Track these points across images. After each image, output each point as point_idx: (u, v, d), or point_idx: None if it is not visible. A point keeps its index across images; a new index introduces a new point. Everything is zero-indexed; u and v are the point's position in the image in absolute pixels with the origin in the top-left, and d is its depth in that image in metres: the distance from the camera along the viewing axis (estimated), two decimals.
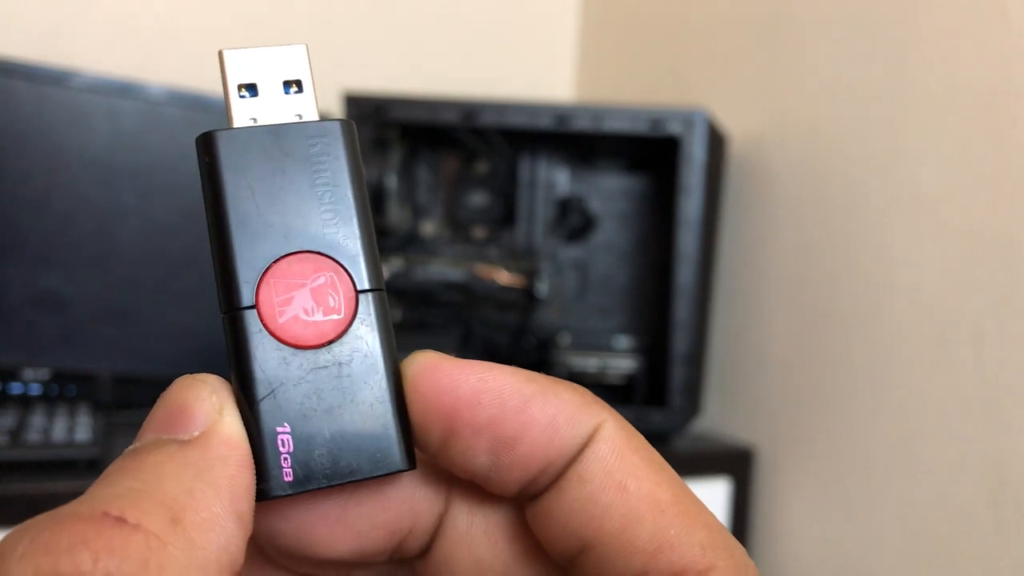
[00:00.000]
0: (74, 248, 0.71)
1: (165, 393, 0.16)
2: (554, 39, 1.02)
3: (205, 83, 0.77)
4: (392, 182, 0.73)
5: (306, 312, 0.17)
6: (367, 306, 0.17)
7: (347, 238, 0.17)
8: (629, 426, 0.17)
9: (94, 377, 0.70)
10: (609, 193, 0.78)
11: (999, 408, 0.54)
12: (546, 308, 0.77)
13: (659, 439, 0.71)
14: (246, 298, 0.17)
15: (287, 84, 0.18)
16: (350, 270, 0.17)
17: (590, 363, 0.72)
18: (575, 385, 0.17)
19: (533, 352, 0.75)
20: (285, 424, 0.16)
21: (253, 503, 0.16)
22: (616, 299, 0.78)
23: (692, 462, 0.70)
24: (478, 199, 0.77)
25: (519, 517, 0.18)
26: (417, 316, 0.74)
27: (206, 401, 0.16)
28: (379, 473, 0.17)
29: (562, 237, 0.78)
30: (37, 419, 0.60)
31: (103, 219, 0.71)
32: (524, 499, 0.18)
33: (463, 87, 0.93)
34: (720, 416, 0.78)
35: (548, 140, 0.76)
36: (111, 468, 0.15)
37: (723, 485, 0.71)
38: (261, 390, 0.17)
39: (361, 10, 0.93)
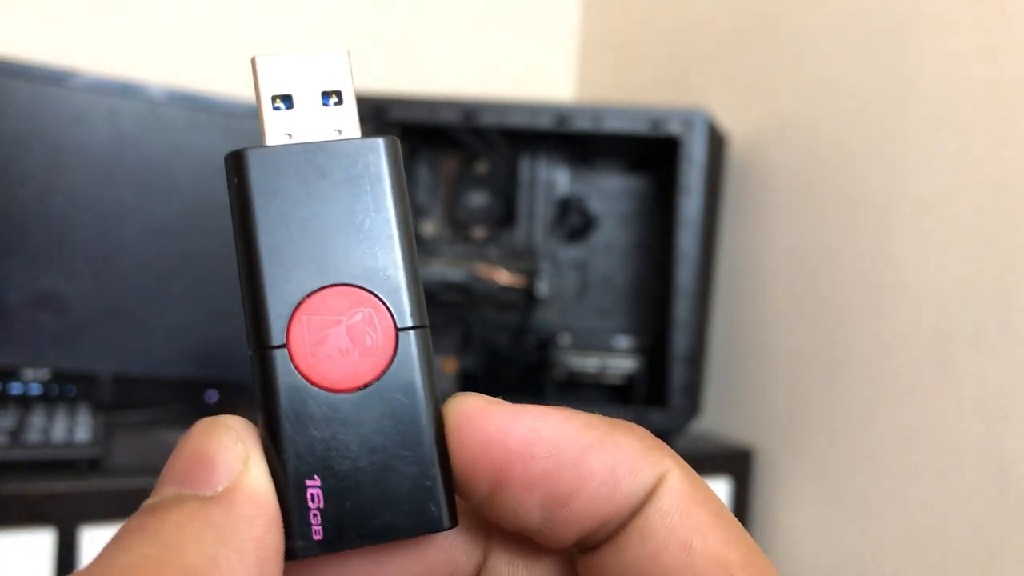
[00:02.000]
0: (74, 248, 0.71)
1: (185, 438, 0.15)
2: (554, 39, 1.02)
3: (205, 83, 0.77)
4: None
5: (341, 352, 0.15)
6: (408, 345, 0.16)
7: (388, 270, 0.16)
8: (694, 474, 0.16)
9: (94, 377, 0.70)
10: (609, 193, 0.78)
11: (999, 408, 0.54)
12: (546, 308, 0.77)
13: (659, 439, 0.71)
14: (276, 336, 0.15)
15: (326, 95, 0.16)
16: (390, 305, 0.16)
17: (590, 363, 0.72)
18: (634, 427, 0.16)
19: (533, 352, 0.75)
20: (315, 476, 0.15)
21: (281, 565, 0.14)
22: (616, 299, 0.78)
23: (692, 462, 0.70)
24: (478, 199, 0.77)
25: (567, 569, 0.17)
26: None
27: (230, 450, 0.14)
28: (418, 533, 0.15)
29: (562, 237, 0.78)
30: (37, 419, 0.60)
31: (103, 219, 0.71)
32: (575, 552, 0.16)
33: (463, 87, 0.93)
34: (720, 416, 0.78)
35: (548, 140, 0.76)
36: (127, 526, 0.14)
37: (723, 485, 0.71)
38: (289, 438, 0.15)
39: (361, 10, 0.93)
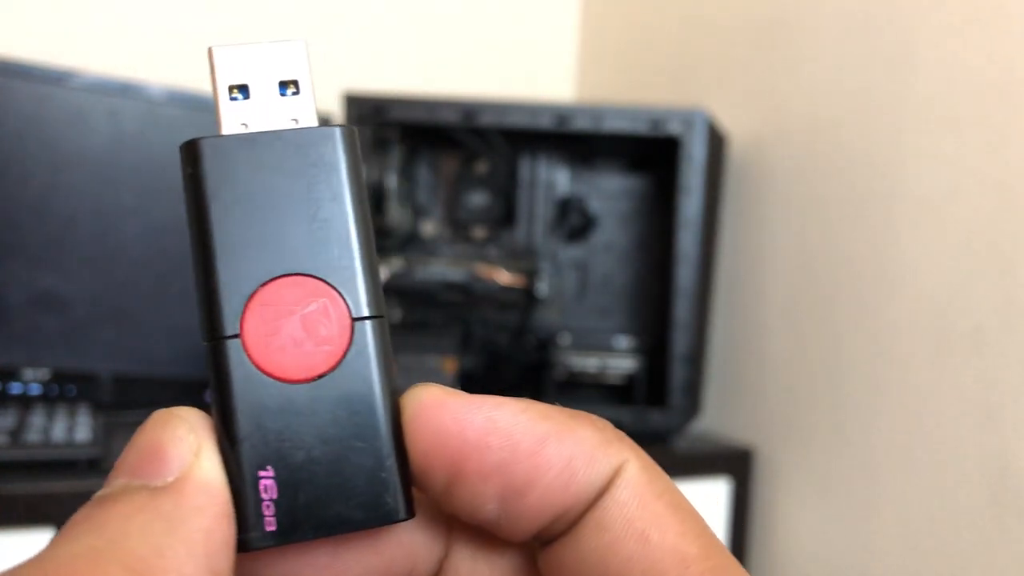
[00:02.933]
0: (74, 248, 0.71)
1: (140, 429, 0.15)
2: (554, 39, 1.02)
3: (205, 83, 0.77)
4: (392, 182, 0.73)
5: (296, 342, 0.15)
6: (364, 335, 0.16)
7: (343, 259, 0.16)
8: (654, 466, 0.16)
9: (94, 377, 0.70)
10: (609, 193, 0.78)
11: (999, 408, 0.54)
12: (546, 308, 0.77)
13: (659, 439, 0.71)
14: (229, 326, 0.15)
15: (283, 85, 0.16)
16: (346, 295, 0.16)
17: (590, 363, 0.72)
18: (594, 418, 0.16)
19: (533, 352, 0.75)
20: (269, 467, 0.15)
21: (232, 557, 0.14)
22: (616, 299, 0.78)
23: (692, 462, 0.70)
24: (478, 199, 0.77)
25: (528, 563, 0.17)
26: (417, 316, 0.74)
27: (182, 441, 0.14)
28: (373, 524, 0.15)
29: (562, 237, 0.78)
30: (37, 419, 0.60)
31: (103, 219, 0.71)
32: (535, 545, 0.16)
33: (463, 87, 0.93)
34: (720, 416, 0.78)
35: (548, 140, 0.76)
36: (76, 517, 0.14)
37: (723, 485, 0.71)
38: (243, 428, 0.15)
39: (361, 10, 0.93)
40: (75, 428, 0.58)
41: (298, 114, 0.16)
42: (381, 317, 0.16)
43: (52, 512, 0.51)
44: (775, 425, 0.72)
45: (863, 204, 0.64)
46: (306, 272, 0.15)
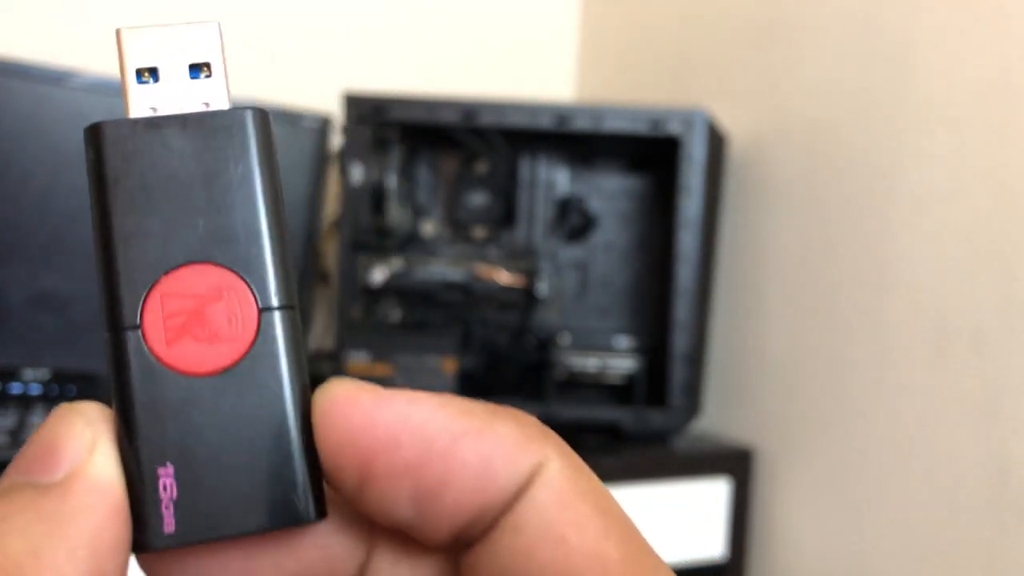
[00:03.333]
0: (74, 248, 0.71)
1: (41, 425, 0.14)
2: (554, 39, 1.02)
3: None
4: (392, 182, 0.73)
5: (199, 334, 0.15)
6: (272, 327, 0.15)
7: (251, 248, 0.15)
8: (579, 464, 0.15)
9: (94, 377, 0.70)
10: (609, 193, 0.78)
11: (999, 408, 0.54)
12: (546, 308, 0.77)
13: (659, 439, 0.71)
14: (128, 317, 0.14)
15: (194, 68, 0.16)
16: (252, 285, 0.15)
17: (590, 363, 0.72)
18: (518, 414, 0.15)
19: (533, 352, 0.75)
20: (168, 464, 0.14)
21: (125, 558, 0.13)
22: (616, 299, 0.78)
23: (692, 462, 0.70)
24: (478, 199, 0.77)
25: (451, 567, 0.16)
26: (417, 316, 0.74)
27: (77, 437, 0.14)
28: (281, 526, 0.14)
29: (562, 237, 0.78)
30: (37, 419, 0.60)
31: None
32: (456, 548, 0.15)
33: (463, 87, 0.93)
34: (720, 416, 0.78)
35: (548, 140, 0.76)
36: None
37: (723, 485, 0.71)
38: (142, 423, 0.14)
39: (361, 10, 0.93)
40: None
41: (210, 98, 0.16)
42: (291, 307, 0.15)
43: None
44: (775, 425, 0.72)
45: (863, 204, 0.64)
46: (211, 260, 0.15)
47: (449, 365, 0.70)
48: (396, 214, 0.74)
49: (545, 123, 0.69)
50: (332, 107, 0.76)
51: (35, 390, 0.69)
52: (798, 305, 0.70)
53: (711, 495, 0.70)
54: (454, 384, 0.70)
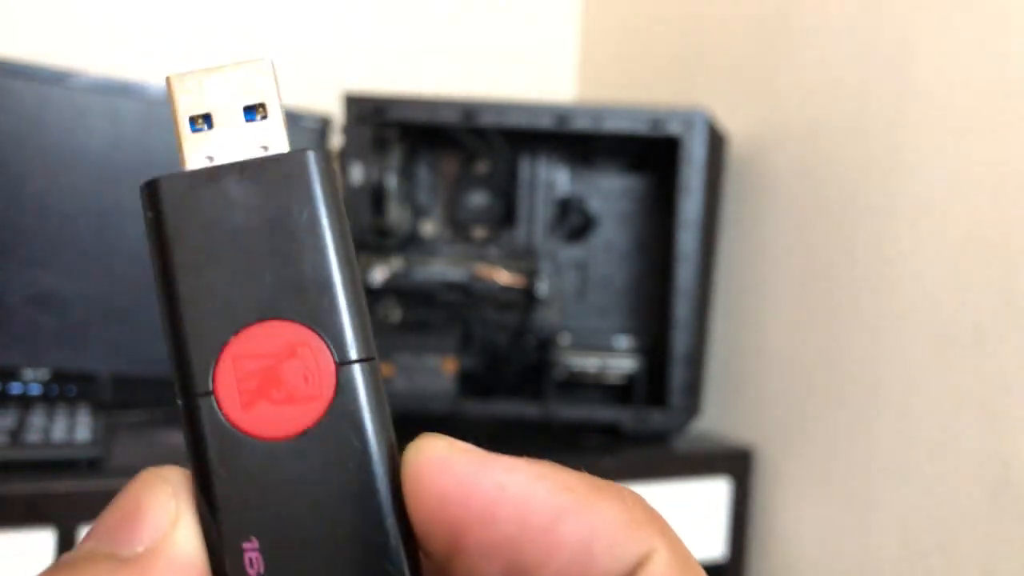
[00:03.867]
0: (74, 248, 0.71)
1: (123, 489, 0.13)
2: (554, 39, 1.02)
3: None
4: (392, 182, 0.73)
5: (274, 396, 0.14)
6: (351, 382, 0.14)
7: (324, 299, 0.14)
8: (686, 554, 0.14)
9: (94, 377, 0.70)
10: (609, 193, 0.78)
11: (999, 408, 0.54)
12: (546, 308, 0.77)
13: (659, 439, 0.71)
14: (200, 383, 0.14)
15: (249, 110, 0.15)
16: (328, 339, 0.14)
17: (590, 363, 0.72)
18: (625, 493, 0.14)
19: (533, 352, 0.75)
20: (253, 538, 0.13)
21: None
22: (616, 299, 0.78)
23: (692, 462, 0.70)
24: (478, 199, 0.77)
25: None
26: (417, 316, 0.74)
27: (161, 507, 0.13)
28: None
29: (562, 237, 0.78)
30: (37, 419, 0.60)
31: (103, 219, 0.71)
32: None
33: (463, 87, 0.93)
34: (720, 416, 0.77)
35: (548, 140, 0.76)
36: None
37: (723, 485, 0.71)
38: (221, 496, 0.13)
39: (361, 10, 0.93)
40: (75, 428, 0.58)
41: (267, 140, 0.15)
42: (371, 359, 0.14)
43: (52, 512, 0.51)
44: (775, 425, 0.72)
45: (863, 204, 0.64)
46: (283, 316, 0.14)
47: (449, 365, 0.70)
48: (396, 214, 0.74)
49: (545, 123, 0.69)
50: (332, 107, 0.76)
51: (35, 390, 0.69)
52: (798, 305, 0.70)
53: (711, 495, 0.70)
54: (454, 384, 0.70)
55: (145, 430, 0.68)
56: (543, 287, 0.75)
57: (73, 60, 0.75)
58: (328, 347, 0.14)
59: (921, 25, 0.60)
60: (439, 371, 0.69)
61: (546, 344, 0.74)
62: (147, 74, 0.76)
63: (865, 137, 0.64)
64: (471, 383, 0.72)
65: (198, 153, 0.15)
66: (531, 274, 0.75)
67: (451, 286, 0.74)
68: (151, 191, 0.14)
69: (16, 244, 0.69)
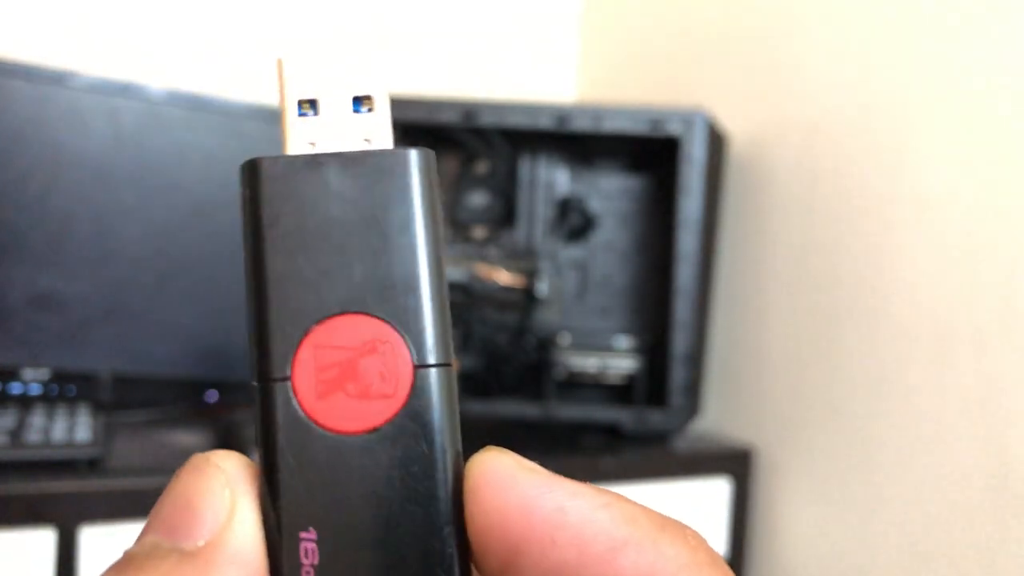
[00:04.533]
0: (74, 248, 0.71)
1: (175, 478, 0.14)
2: (554, 39, 1.02)
3: (205, 83, 0.77)
4: None
5: (351, 389, 0.14)
6: (427, 386, 0.14)
7: (409, 300, 0.14)
8: None
9: (94, 377, 0.70)
10: (609, 193, 0.78)
11: (999, 408, 0.54)
12: (546, 308, 0.77)
13: (659, 439, 0.71)
14: (279, 368, 0.14)
15: (357, 101, 0.15)
16: (410, 339, 0.14)
17: (590, 363, 0.72)
18: (688, 532, 0.14)
19: (533, 352, 0.75)
20: (311, 529, 0.13)
21: None
22: (616, 299, 0.78)
23: (692, 462, 0.70)
24: (478, 199, 0.77)
25: None
26: None
27: (217, 498, 0.13)
28: None
29: (562, 237, 0.78)
30: (37, 419, 0.60)
31: (103, 219, 0.71)
32: None
33: (463, 87, 0.93)
34: (720, 416, 0.78)
35: (548, 140, 0.76)
36: None
37: (723, 485, 0.71)
38: (286, 483, 0.14)
39: (361, 11, 0.93)
40: (75, 428, 0.58)
41: (371, 134, 0.15)
42: (449, 366, 0.14)
43: (52, 512, 0.51)
44: (775, 425, 0.72)
45: (863, 204, 0.64)
46: (367, 311, 0.14)
47: None
48: None
49: (545, 123, 0.69)
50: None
51: (35, 390, 0.69)
52: (798, 305, 0.70)
53: (711, 495, 0.70)
54: (452, 384, 0.70)
55: (145, 430, 0.68)
56: (543, 287, 0.75)
57: (73, 60, 0.75)
58: (408, 348, 0.14)
59: (921, 25, 0.60)
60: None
61: (546, 344, 0.74)
62: (147, 74, 0.76)
63: (865, 137, 0.64)
64: (471, 383, 0.72)
65: (301, 138, 0.15)
66: (531, 274, 0.75)
67: (451, 286, 0.74)
68: (251, 171, 0.14)
69: (16, 244, 0.69)
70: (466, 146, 0.75)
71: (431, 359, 0.14)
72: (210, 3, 0.86)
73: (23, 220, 0.69)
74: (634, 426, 0.70)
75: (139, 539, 0.13)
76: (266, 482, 0.14)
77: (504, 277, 0.74)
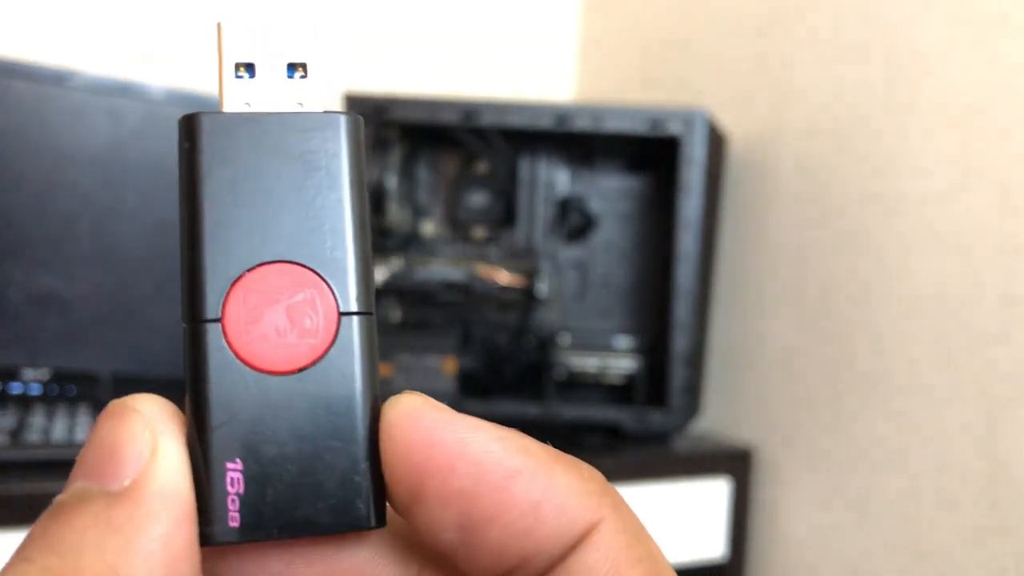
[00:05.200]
0: (74, 248, 0.71)
1: (96, 423, 0.14)
2: (554, 39, 1.02)
3: (205, 84, 0.77)
4: (392, 182, 0.73)
5: (278, 332, 0.15)
6: (350, 331, 0.15)
7: (336, 250, 0.15)
8: (635, 526, 0.14)
9: (94, 377, 0.70)
10: (609, 193, 0.78)
11: (999, 408, 0.54)
12: (546, 308, 0.77)
13: (659, 439, 0.71)
14: (211, 309, 0.15)
15: (291, 67, 0.16)
16: (335, 288, 0.15)
17: (590, 363, 0.72)
18: (581, 466, 0.14)
19: (533, 352, 0.75)
20: (237, 460, 0.14)
21: (197, 559, 0.14)
22: (616, 299, 0.78)
23: (692, 462, 0.70)
24: (478, 199, 0.77)
25: None
26: (417, 316, 0.74)
27: (138, 438, 0.14)
28: (340, 529, 0.15)
29: (562, 237, 0.78)
30: (37, 419, 0.60)
31: (103, 219, 0.71)
32: None
33: (463, 87, 0.93)
34: (720, 416, 0.77)
35: (548, 140, 0.76)
36: (33, 532, 0.13)
37: (723, 485, 0.71)
38: (215, 417, 0.14)
39: (362, 11, 0.93)
40: (75, 428, 0.58)
41: (304, 98, 0.16)
42: (370, 314, 0.15)
43: None
44: (775, 425, 0.72)
45: (863, 204, 0.64)
46: (296, 260, 0.15)
47: (449, 365, 0.70)
48: (396, 214, 0.74)
49: (545, 123, 0.69)
50: (332, 107, 0.76)
51: (35, 390, 0.69)
52: (798, 305, 0.70)
53: (711, 495, 0.70)
54: (454, 384, 0.70)
55: None
56: (543, 287, 0.75)
57: (73, 60, 0.75)
58: (334, 296, 0.15)
59: (921, 25, 0.60)
60: (439, 371, 0.69)
61: (546, 344, 0.74)
62: (147, 74, 0.76)
63: (865, 137, 0.64)
64: (471, 383, 0.72)
65: (237, 98, 0.15)
66: (531, 274, 0.75)
67: (451, 286, 0.74)
68: (190, 123, 0.15)
69: (16, 244, 0.69)
70: (466, 146, 0.75)
71: (354, 307, 0.15)
72: (210, 3, 0.86)
73: (23, 220, 0.69)
74: (634, 426, 0.70)
75: (67, 487, 0.14)
76: (193, 418, 0.14)
77: (504, 277, 0.74)
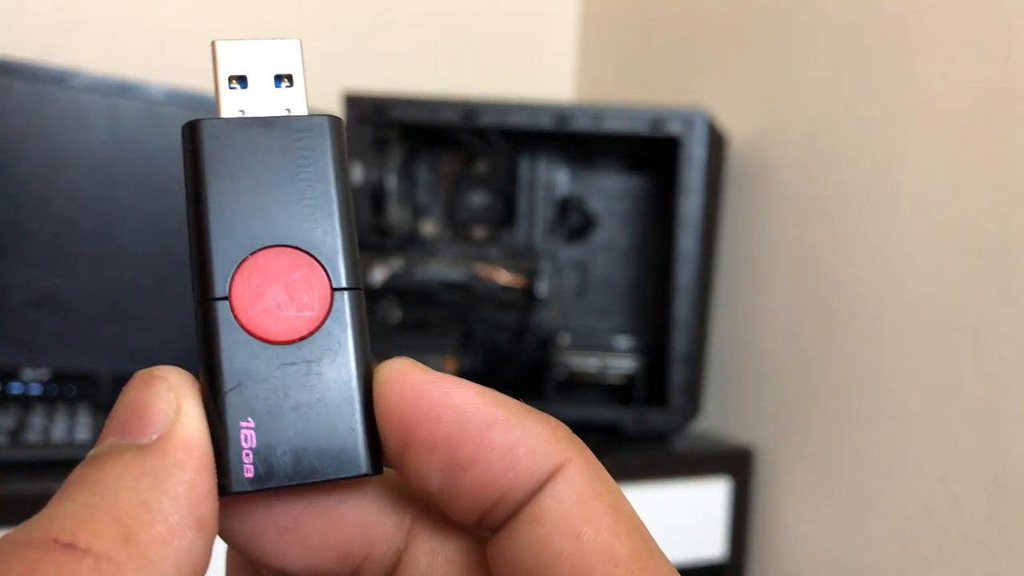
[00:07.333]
0: (74, 248, 0.71)
1: (124, 390, 0.16)
2: (554, 39, 1.02)
3: (205, 83, 0.77)
4: (392, 182, 0.73)
5: (279, 307, 0.17)
6: (342, 305, 0.17)
7: (326, 234, 0.17)
8: (598, 467, 0.17)
9: (94, 377, 0.70)
10: (609, 193, 0.78)
11: (999, 408, 0.54)
12: (546, 308, 0.77)
13: (659, 439, 0.71)
14: (219, 289, 0.17)
15: (278, 78, 0.18)
16: (327, 267, 0.17)
17: (590, 363, 0.72)
18: (550, 418, 0.17)
19: (533, 352, 0.75)
20: (249, 419, 0.16)
21: (215, 503, 0.15)
22: (616, 299, 0.78)
23: (692, 462, 0.70)
24: (478, 199, 0.77)
25: (480, 557, 0.17)
26: (417, 316, 0.74)
27: (163, 400, 0.16)
28: (342, 475, 0.16)
29: (562, 237, 0.78)
30: (37, 419, 0.60)
31: (103, 219, 0.71)
32: (483, 536, 0.17)
33: (463, 87, 0.93)
34: (720, 416, 0.78)
35: (548, 140, 0.76)
36: (72, 477, 0.15)
37: (723, 485, 0.71)
38: (227, 382, 0.16)
39: (361, 10, 0.93)
40: (75, 428, 0.58)
41: (291, 104, 0.18)
42: (359, 289, 0.17)
43: None
44: (775, 425, 0.72)
45: (863, 204, 0.64)
46: (292, 244, 0.17)
47: (449, 365, 0.70)
48: (396, 214, 0.74)
49: (545, 123, 0.69)
50: (332, 107, 0.76)
51: (35, 390, 0.69)
52: (798, 305, 0.70)
53: (711, 495, 0.70)
54: None
55: None
56: (543, 287, 0.75)
57: (73, 60, 0.75)
58: (326, 274, 0.17)
59: (922, 24, 0.60)
60: (439, 371, 0.69)
61: (546, 344, 0.74)
62: (147, 74, 0.76)
63: (865, 137, 0.64)
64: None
65: (232, 106, 0.18)
66: (531, 274, 0.75)
67: (451, 286, 0.74)
68: (192, 129, 0.17)
69: (16, 244, 0.69)
70: (466, 146, 0.75)
71: (345, 283, 0.17)
72: (210, 3, 0.86)
73: (23, 220, 0.69)
74: (634, 426, 0.70)
75: (99, 443, 0.15)
76: (207, 384, 0.16)
77: (504, 277, 0.74)
